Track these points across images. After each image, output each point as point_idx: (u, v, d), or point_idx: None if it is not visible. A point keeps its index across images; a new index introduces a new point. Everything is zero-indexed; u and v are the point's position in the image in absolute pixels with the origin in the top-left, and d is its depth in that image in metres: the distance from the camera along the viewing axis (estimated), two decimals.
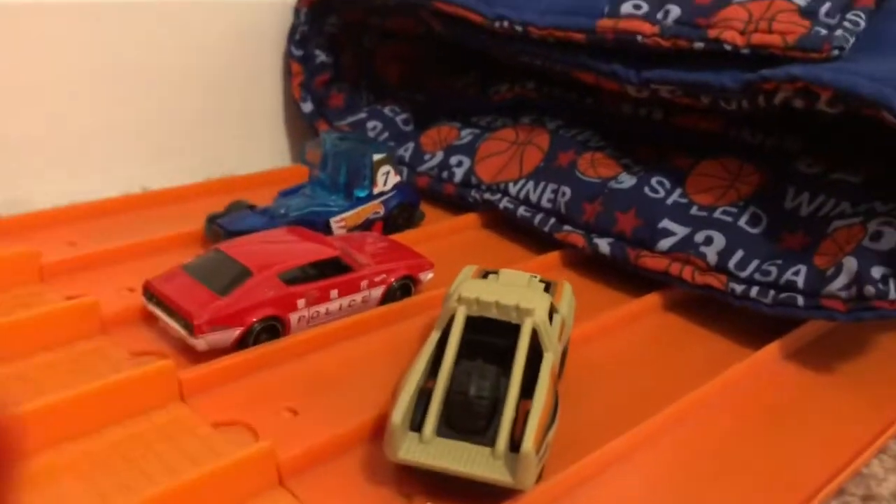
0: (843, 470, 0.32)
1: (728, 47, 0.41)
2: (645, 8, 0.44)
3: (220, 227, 0.45)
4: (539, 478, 0.28)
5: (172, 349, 0.36)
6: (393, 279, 0.41)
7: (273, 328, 0.36)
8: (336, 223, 0.48)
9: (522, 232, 0.51)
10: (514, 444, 0.27)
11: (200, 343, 0.35)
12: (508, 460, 0.27)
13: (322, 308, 0.38)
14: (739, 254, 0.41)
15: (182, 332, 0.35)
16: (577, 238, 0.47)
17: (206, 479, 0.27)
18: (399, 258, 0.42)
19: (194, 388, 0.33)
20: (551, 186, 0.49)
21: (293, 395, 0.34)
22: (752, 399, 0.36)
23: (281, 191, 0.50)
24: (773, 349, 0.39)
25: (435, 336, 0.31)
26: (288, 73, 0.62)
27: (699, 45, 0.42)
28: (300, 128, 0.65)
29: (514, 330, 0.30)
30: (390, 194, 0.50)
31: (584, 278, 0.47)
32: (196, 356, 0.35)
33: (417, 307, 0.41)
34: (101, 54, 0.54)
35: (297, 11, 0.60)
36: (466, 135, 0.57)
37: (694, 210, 0.44)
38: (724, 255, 0.41)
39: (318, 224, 0.46)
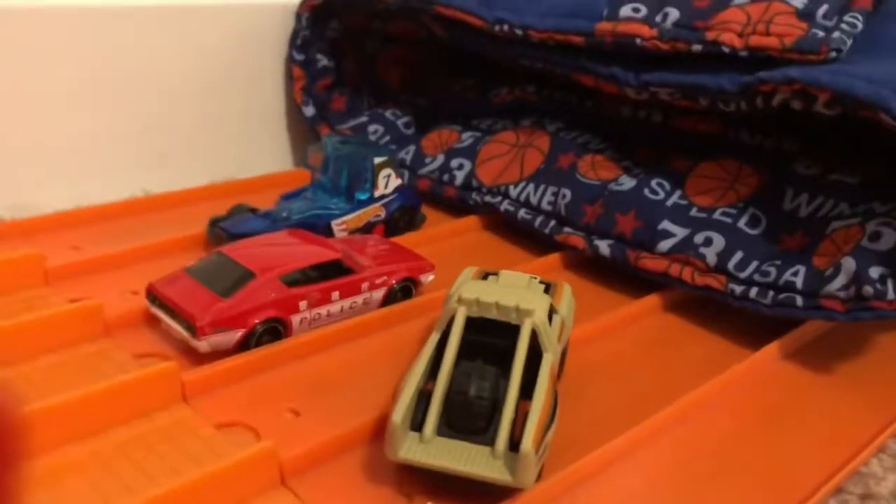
0: (842, 469, 0.32)
1: (726, 50, 0.41)
2: (643, 11, 0.44)
3: (222, 231, 0.45)
4: (538, 477, 0.29)
5: (175, 351, 0.36)
6: (394, 281, 0.41)
7: (275, 330, 0.37)
8: (337, 226, 0.48)
9: (523, 234, 0.52)
10: (514, 444, 0.27)
11: (203, 345, 0.35)
12: (508, 459, 0.27)
13: (323, 310, 0.38)
14: (739, 255, 0.41)
15: (185, 334, 0.35)
16: (578, 240, 0.47)
17: (209, 480, 0.27)
18: (400, 260, 0.42)
19: (197, 390, 0.33)
20: (552, 189, 0.50)
21: (295, 396, 0.34)
22: (751, 399, 0.36)
23: (283, 194, 0.50)
24: (772, 349, 0.39)
25: (435, 337, 0.31)
26: (290, 78, 0.62)
27: (697, 47, 0.42)
28: (302, 131, 0.65)
29: (514, 331, 0.30)
30: (391, 197, 0.50)
31: (584, 280, 0.47)
32: (199, 358, 0.35)
33: (418, 309, 0.41)
34: (104, 60, 0.54)
35: (298, 16, 0.60)
36: (467, 138, 0.57)
37: (693, 211, 0.44)
38: (724, 256, 0.42)
39: (319, 227, 0.46)
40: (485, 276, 0.35)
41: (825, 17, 0.41)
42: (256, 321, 0.36)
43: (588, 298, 0.43)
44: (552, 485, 0.29)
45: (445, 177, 0.56)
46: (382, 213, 0.50)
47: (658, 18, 0.43)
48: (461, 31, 0.52)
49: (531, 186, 0.51)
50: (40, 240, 0.46)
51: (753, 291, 0.40)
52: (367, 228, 0.49)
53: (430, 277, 0.43)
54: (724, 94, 0.41)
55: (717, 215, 0.44)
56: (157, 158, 0.58)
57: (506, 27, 0.49)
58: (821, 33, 0.39)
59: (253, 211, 0.48)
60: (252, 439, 0.31)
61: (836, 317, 0.37)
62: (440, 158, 0.57)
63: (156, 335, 0.38)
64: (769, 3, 0.42)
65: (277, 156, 0.65)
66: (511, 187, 0.52)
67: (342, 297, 0.39)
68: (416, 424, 0.29)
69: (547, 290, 0.35)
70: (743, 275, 0.41)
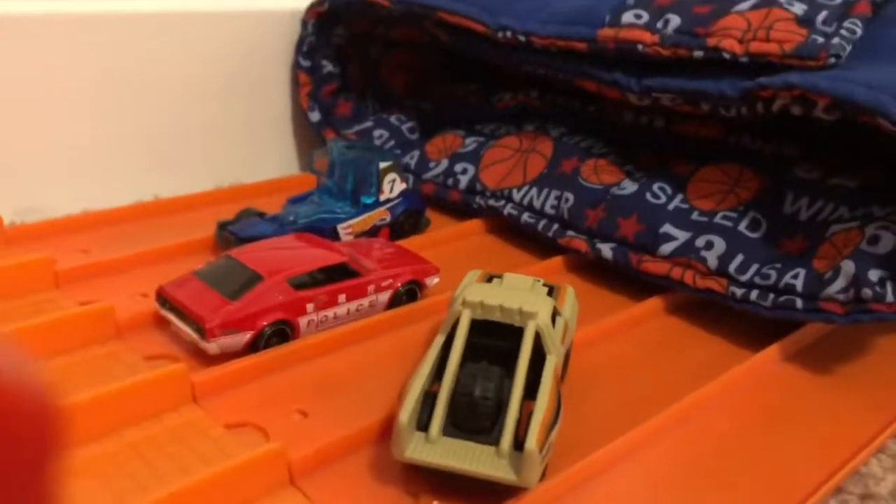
0: (842, 469, 0.32)
1: (727, 55, 0.42)
2: (645, 17, 0.45)
3: (230, 234, 0.46)
4: (542, 476, 0.29)
5: (185, 353, 0.37)
6: (399, 284, 0.42)
7: (283, 332, 0.37)
8: (343, 229, 0.48)
9: (526, 237, 0.52)
10: (518, 444, 0.28)
11: (212, 347, 0.35)
12: (513, 459, 0.28)
13: (330, 312, 0.39)
14: (739, 258, 0.42)
15: (194, 336, 0.36)
16: (580, 243, 0.48)
17: (219, 479, 0.28)
18: (405, 263, 0.43)
19: (207, 391, 0.34)
20: (555, 193, 0.50)
21: (303, 397, 0.35)
22: (752, 400, 0.37)
23: (289, 198, 0.51)
24: (772, 351, 0.39)
25: (440, 339, 0.32)
26: (296, 84, 0.63)
27: (699, 53, 0.42)
28: (308, 137, 0.66)
29: (518, 333, 0.31)
30: (396, 201, 0.51)
31: (587, 283, 0.47)
32: (208, 359, 0.36)
33: (423, 311, 0.42)
34: (114, 66, 0.55)
35: (304, 23, 0.61)
36: (471, 142, 0.58)
37: (695, 215, 0.45)
38: (725, 259, 0.42)
39: (325, 230, 0.47)
40: (489, 279, 0.36)
41: (825, 23, 0.41)
42: (265, 323, 0.36)
43: (591, 301, 0.44)
44: (556, 484, 0.29)
45: (450, 181, 0.56)
46: (387, 217, 0.50)
47: (659, 25, 0.44)
48: (465, 37, 0.53)
49: (534, 190, 0.51)
50: (50, 244, 0.46)
51: (754, 294, 0.41)
52: (373, 232, 0.50)
53: (435, 280, 0.44)
54: (725, 99, 0.42)
55: (717, 219, 0.44)
56: (166, 163, 0.59)
57: (509, 33, 0.49)
58: (820, 39, 0.40)
59: (260, 215, 0.48)
60: (261, 440, 0.32)
61: (835, 319, 0.38)
62: (444, 163, 0.57)
63: (166, 337, 0.38)
64: (769, 10, 0.42)
65: (284, 160, 0.66)
66: (514, 191, 0.52)
67: (348, 299, 0.40)
68: (422, 425, 0.29)
69: (550, 293, 0.36)
70: (743, 278, 0.41)
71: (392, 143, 0.62)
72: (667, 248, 0.44)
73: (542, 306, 0.31)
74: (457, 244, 0.52)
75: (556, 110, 0.56)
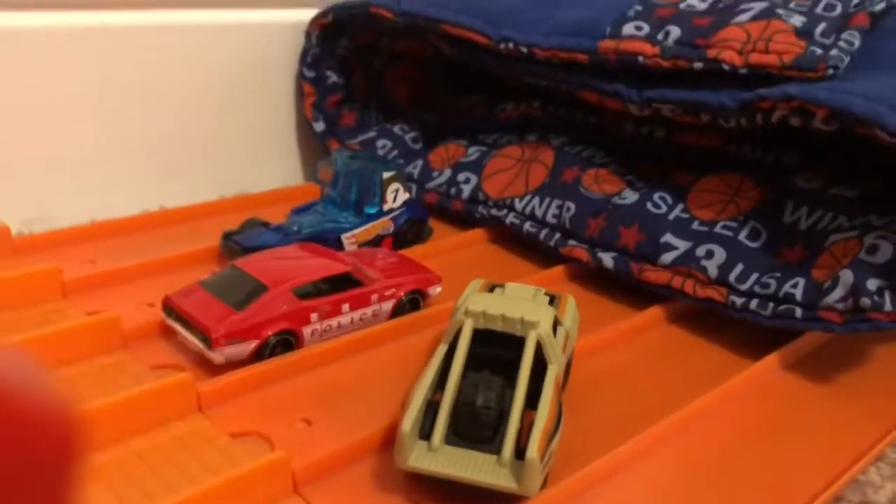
0: (841, 477, 0.32)
1: (726, 67, 0.42)
2: (646, 29, 0.45)
3: (235, 244, 0.46)
4: (544, 484, 0.29)
5: (191, 362, 0.37)
6: (402, 293, 0.42)
7: (287, 341, 0.38)
8: (347, 239, 0.49)
9: (528, 246, 0.52)
10: (520, 452, 0.28)
11: (218, 356, 0.36)
12: (514, 467, 0.28)
13: (334, 322, 0.39)
14: (739, 267, 0.42)
15: (200, 345, 0.36)
16: (582, 252, 0.48)
17: (224, 488, 0.28)
18: (408, 273, 0.43)
19: (212, 400, 0.34)
20: (556, 202, 0.51)
21: (307, 405, 0.35)
22: (751, 409, 0.37)
23: (294, 208, 0.51)
24: (772, 360, 0.40)
25: (443, 349, 0.32)
26: (300, 94, 0.64)
27: (698, 65, 0.43)
28: (312, 147, 0.66)
29: (520, 342, 0.31)
30: (399, 211, 0.51)
31: (588, 292, 0.48)
32: (213, 369, 0.36)
33: (426, 320, 0.42)
34: (119, 77, 0.55)
35: (308, 35, 0.62)
36: (473, 152, 0.58)
37: (695, 225, 0.45)
38: (725, 268, 0.43)
39: (329, 240, 0.47)
40: (491, 289, 0.36)
41: (823, 35, 0.42)
42: (269, 333, 0.37)
43: (592, 310, 0.44)
44: (557, 492, 0.30)
45: (452, 190, 0.57)
46: (391, 227, 0.51)
47: (660, 36, 0.44)
48: (467, 48, 0.54)
49: (536, 200, 0.52)
50: (57, 254, 0.47)
51: (754, 303, 0.41)
52: (376, 241, 0.50)
53: (438, 289, 0.44)
54: (725, 110, 0.42)
55: (718, 228, 0.44)
56: (171, 173, 0.60)
57: (511, 45, 0.50)
58: (819, 51, 0.40)
59: (265, 225, 0.49)
60: (266, 448, 0.32)
61: (834, 328, 0.38)
62: (447, 172, 0.58)
63: (172, 346, 0.39)
64: (769, 22, 0.42)
65: (288, 171, 0.66)
66: (517, 201, 0.53)
67: (352, 309, 0.40)
68: (425, 434, 0.30)
69: (552, 303, 0.36)
70: (743, 287, 0.42)
71: (395, 152, 0.63)
72: (667, 257, 0.44)
73: (543, 316, 0.32)
74: (459, 253, 0.53)
75: (557, 121, 0.57)
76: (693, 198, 0.47)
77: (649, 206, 0.47)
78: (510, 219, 0.53)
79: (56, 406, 0.11)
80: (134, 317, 0.40)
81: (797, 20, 0.42)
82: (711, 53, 0.42)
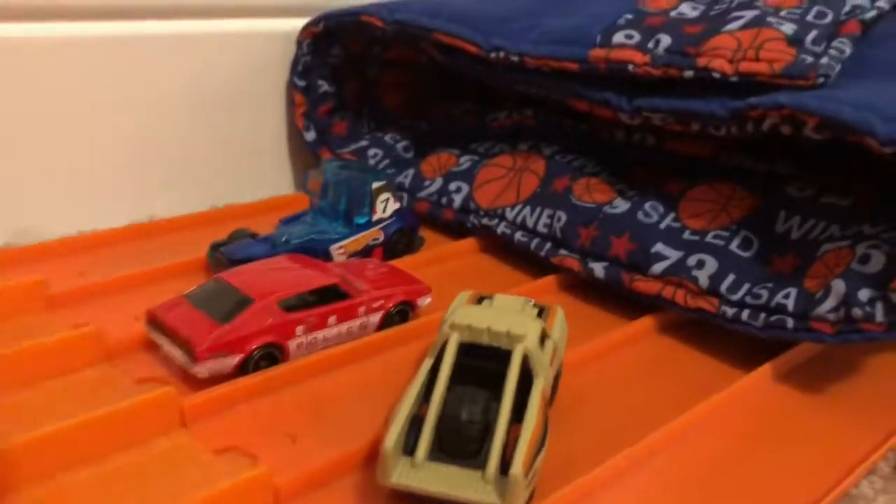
0: (833, 490, 0.32)
1: (717, 75, 0.42)
2: (637, 37, 0.45)
3: (222, 256, 0.46)
4: (529, 500, 0.29)
5: (175, 376, 0.37)
6: (391, 305, 0.42)
7: (271, 355, 0.37)
8: (336, 250, 0.49)
9: (519, 256, 0.52)
10: (505, 468, 0.28)
11: (201, 370, 0.35)
12: (498, 484, 0.28)
13: (320, 334, 0.39)
14: (731, 277, 0.42)
15: (183, 359, 0.36)
16: (573, 262, 0.48)
17: None
18: (397, 284, 0.43)
19: (196, 415, 0.34)
20: (547, 211, 0.50)
21: (292, 420, 0.34)
22: (743, 420, 0.37)
23: (282, 218, 0.51)
24: (764, 371, 0.39)
25: (429, 362, 0.31)
26: (291, 103, 0.63)
27: (689, 73, 0.43)
28: (303, 156, 0.66)
29: (507, 355, 0.31)
30: (389, 220, 0.51)
31: (579, 301, 0.47)
32: (198, 383, 0.36)
33: (415, 332, 0.42)
34: (107, 87, 0.55)
35: (299, 43, 0.61)
36: (465, 161, 0.58)
37: (686, 234, 0.45)
38: (716, 278, 0.42)
39: (318, 251, 0.47)
40: (479, 300, 0.36)
41: (814, 43, 0.41)
42: (254, 346, 0.36)
43: (583, 320, 0.44)
44: None
45: (444, 199, 0.56)
46: (381, 237, 0.51)
47: (650, 45, 0.44)
48: (459, 57, 0.53)
49: (527, 209, 0.52)
50: (44, 266, 0.46)
51: (745, 313, 0.41)
52: (366, 252, 0.50)
53: (427, 300, 0.44)
54: (715, 118, 0.42)
55: (709, 238, 0.44)
56: (161, 184, 0.59)
57: (502, 54, 0.49)
58: (809, 59, 0.40)
59: (253, 236, 0.48)
60: (250, 464, 0.31)
61: (825, 339, 0.38)
62: (438, 181, 0.58)
63: (157, 360, 0.38)
64: (760, 29, 0.42)
65: (280, 180, 0.66)
66: (508, 210, 0.53)
67: (339, 321, 0.40)
68: (409, 449, 0.29)
69: (540, 314, 0.36)
70: (735, 297, 0.41)
71: (387, 161, 0.62)
72: (658, 267, 0.44)
73: (530, 329, 0.31)
74: (450, 263, 0.52)
75: (549, 129, 0.56)
76: (684, 207, 0.46)
77: (640, 215, 0.46)
78: (501, 228, 0.52)
79: None
80: (120, 329, 0.39)
81: (788, 28, 0.42)
82: (702, 62, 0.42)
